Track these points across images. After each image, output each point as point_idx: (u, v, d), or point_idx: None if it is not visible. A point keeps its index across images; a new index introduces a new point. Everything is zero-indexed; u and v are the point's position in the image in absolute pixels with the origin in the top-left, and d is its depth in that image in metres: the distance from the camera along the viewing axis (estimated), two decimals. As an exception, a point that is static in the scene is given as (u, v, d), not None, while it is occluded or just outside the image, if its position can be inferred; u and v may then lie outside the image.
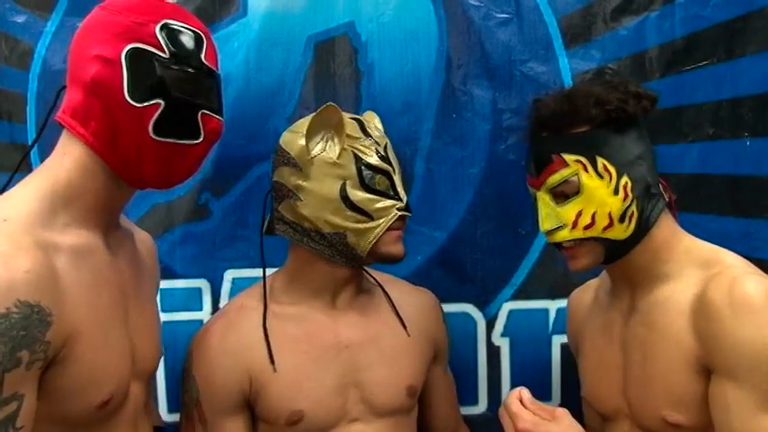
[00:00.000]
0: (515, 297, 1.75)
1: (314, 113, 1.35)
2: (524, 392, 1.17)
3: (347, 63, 1.72)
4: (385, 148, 1.38)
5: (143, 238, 1.33)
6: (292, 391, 1.34)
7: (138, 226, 1.36)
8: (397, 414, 1.43)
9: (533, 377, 1.76)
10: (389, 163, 1.36)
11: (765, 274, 1.13)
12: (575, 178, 1.17)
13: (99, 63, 1.02)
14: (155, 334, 1.26)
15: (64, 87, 1.09)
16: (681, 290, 1.16)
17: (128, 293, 1.15)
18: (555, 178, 1.19)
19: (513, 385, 1.62)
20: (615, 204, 1.16)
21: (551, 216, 1.21)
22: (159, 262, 1.68)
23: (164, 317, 1.69)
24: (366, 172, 1.34)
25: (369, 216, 1.33)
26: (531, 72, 1.72)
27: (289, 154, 1.36)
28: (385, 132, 1.44)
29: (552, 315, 1.76)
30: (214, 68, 1.11)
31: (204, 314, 1.72)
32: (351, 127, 1.36)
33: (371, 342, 1.42)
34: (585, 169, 1.17)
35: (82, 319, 1.00)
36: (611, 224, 1.17)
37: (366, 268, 1.50)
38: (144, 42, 1.03)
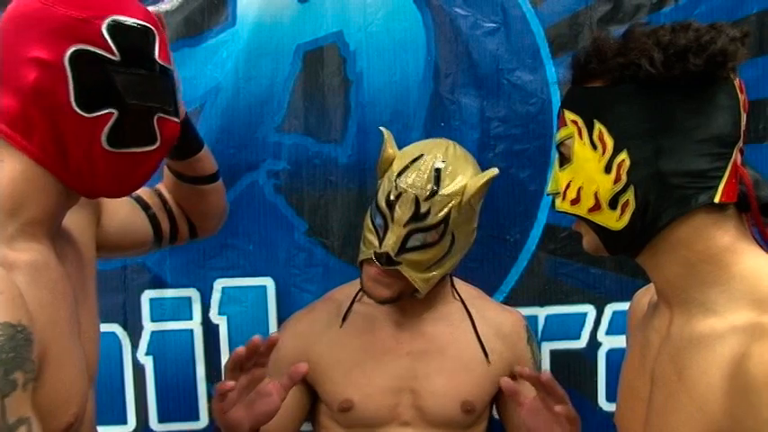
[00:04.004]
0: (504, 304, 1.76)
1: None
2: None
3: (336, 72, 1.72)
4: (399, 196, 1.36)
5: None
6: (346, 380, 1.45)
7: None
8: (452, 428, 1.45)
9: (523, 384, 1.77)
10: (392, 210, 1.37)
11: None
12: (569, 142, 0.98)
13: (38, 67, 0.89)
14: (98, 332, 1.14)
15: None
16: (721, 333, 0.86)
17: (78, 300, 1.04)
18: (557, 136, 1.01)
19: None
20: (604, 184, 0.94)
21: (553, 179, 1.03)
22: (149, 271, 1.68)
23: (153, 326, 1.70)
24: (373, 206, 1.41)
25: (362, 242, 1.43)
26: (518, 81, 1.73)
27: None
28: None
29: (541, 322, 1.77)
30: (168, 65, 1.01)
31: (194, 324, 1.72)
32: (398, 163, 1.41)
33: (435, 353, 1.47)
34: (580, 134, 0.96)
35: (48, 339, 0.91)
36: (597, 207, 0.95)
37: (456, 281, 1.54)
38: (90, 44, 0.91)
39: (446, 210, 1.37)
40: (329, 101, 1.72)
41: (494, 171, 1.39)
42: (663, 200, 0.91)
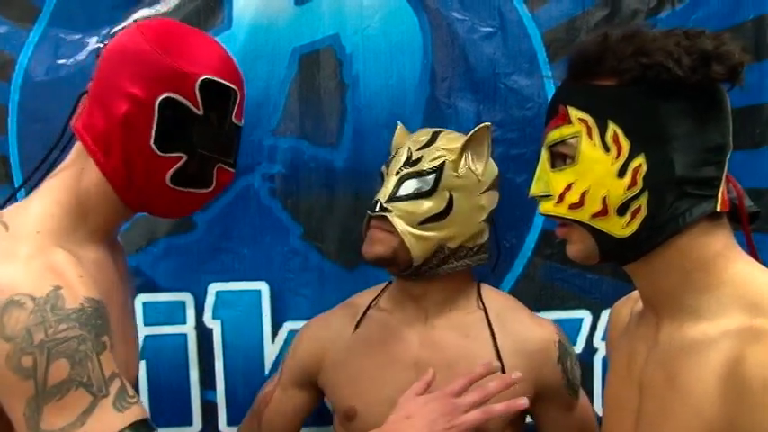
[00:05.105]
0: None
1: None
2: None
3: (332, 75, 1.72)
4: (391, 157, 1.43)
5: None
6: (351, 387, 1.42)
7: (122, 238, 1.34)
8: None
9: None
10: (388, 166, 1.41)
11: None
12: (573, 141, 0.93)
13: (131, 102, 1.01)
14: (138, 343, 1.29)
15: (85, 93, 1.08)
16: (714, 337, 0.86)
17: (125, 307, 1.17)
18: (553, 135, 0.96)
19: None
20: (615, 189, 0.90)
21: (541, 180, 0.99)
22: (142, 274, 1.68)
23: (147, 330, 1.69)
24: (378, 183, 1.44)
25: None
26: (514, 85, 1.72)
27: None
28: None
29: (537, 327, 1.76)
30: (239, 124, 1.13)
31: (187, 328, 1.71)
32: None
33: (446, 366, 1.32)
34: (589, 134, 0.92)
35: None
36: (603, 212, 0.91)
37: (488, 288, 1.47)
38: (181, 95, 1.02)
39: (439, 160, 1.36)
40: (325, 104, 1.72)
41: (486, 124, 1.40)
42: (675, 208, 0.89)
